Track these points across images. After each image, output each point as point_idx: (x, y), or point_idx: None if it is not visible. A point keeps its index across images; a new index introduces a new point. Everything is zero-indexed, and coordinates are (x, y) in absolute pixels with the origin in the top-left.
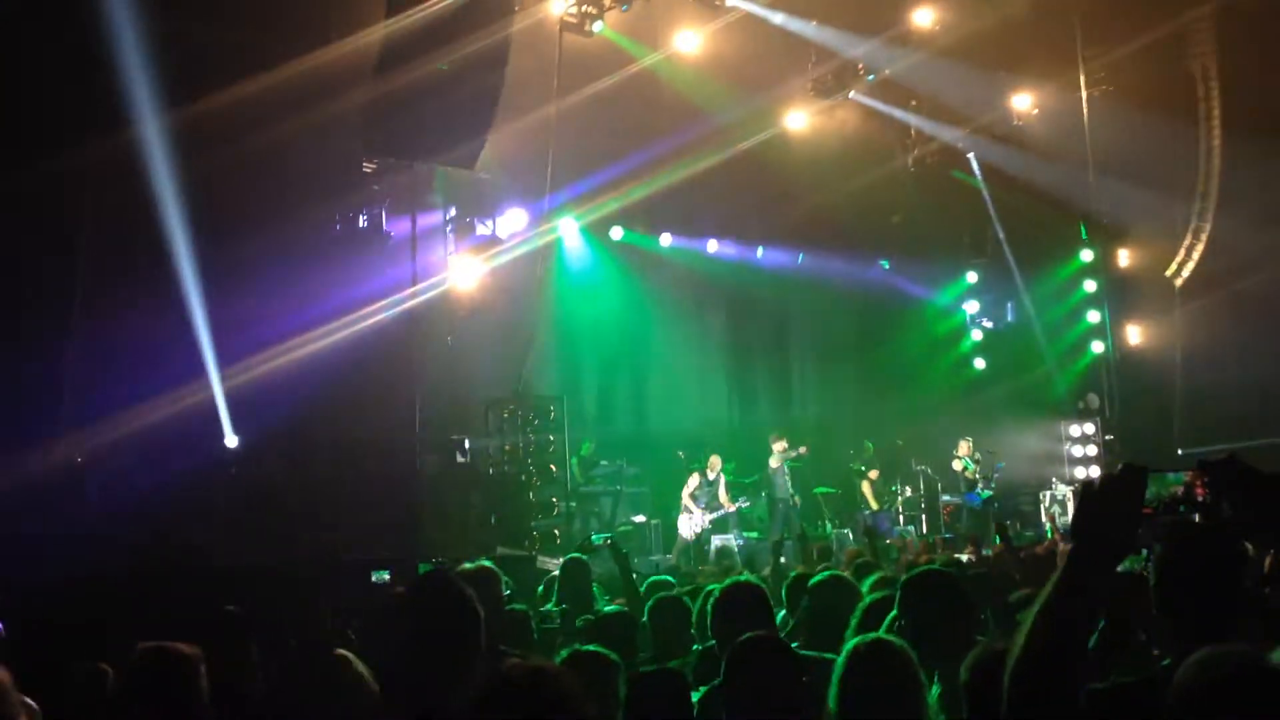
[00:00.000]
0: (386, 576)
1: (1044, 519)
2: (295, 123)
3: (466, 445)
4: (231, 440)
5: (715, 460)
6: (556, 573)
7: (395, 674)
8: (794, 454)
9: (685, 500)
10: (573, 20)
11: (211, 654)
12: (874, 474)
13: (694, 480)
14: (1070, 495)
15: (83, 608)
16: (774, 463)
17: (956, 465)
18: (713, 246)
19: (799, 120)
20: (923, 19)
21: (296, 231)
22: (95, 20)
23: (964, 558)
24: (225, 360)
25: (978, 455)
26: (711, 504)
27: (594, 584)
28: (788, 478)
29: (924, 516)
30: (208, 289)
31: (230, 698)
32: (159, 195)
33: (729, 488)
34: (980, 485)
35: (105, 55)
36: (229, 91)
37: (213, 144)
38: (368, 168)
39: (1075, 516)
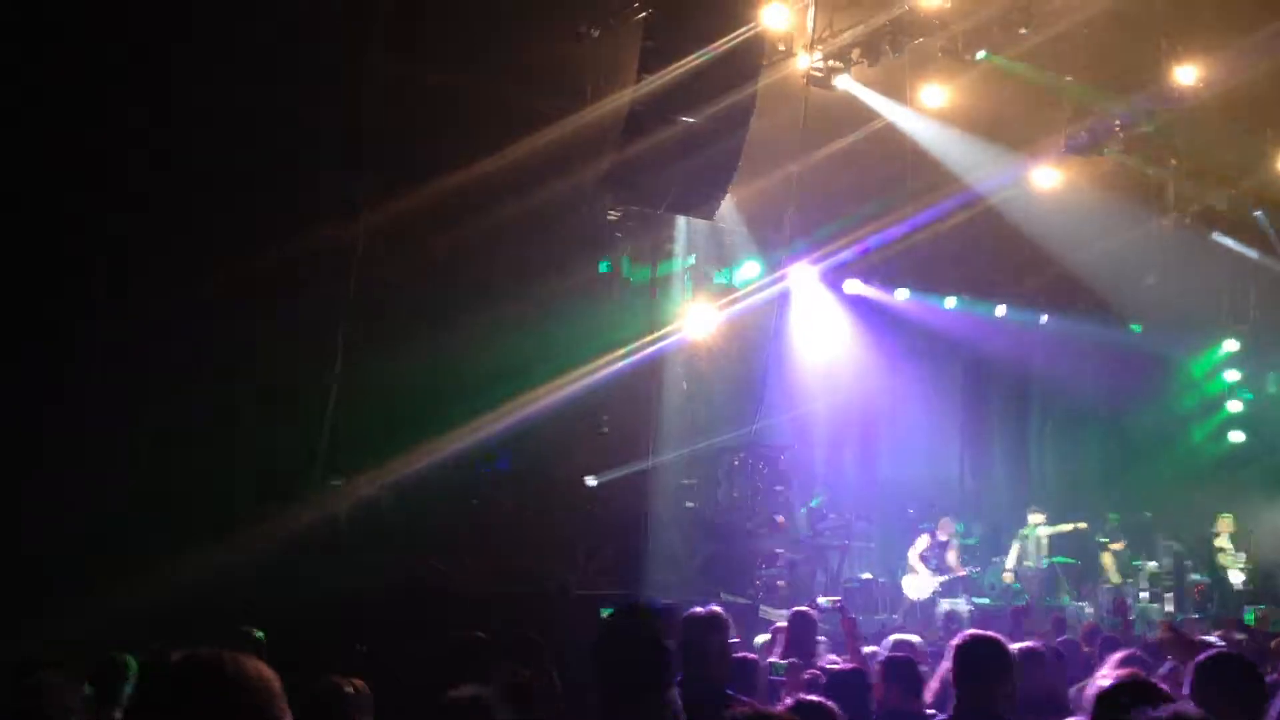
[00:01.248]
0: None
1: None
2: (550, 176)
3: (696, 490)
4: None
5: (946, 522)
6: (781, 623)
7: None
8: (1052, 530)
9: (913, 561)
10: (819, 74)
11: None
12: (1117, 546)
13: (923, 541)
14: None
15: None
16: (1029, 534)
17: (1220, 543)
18: (950, 303)
19: (1049, 177)
20: (1185, 76)
21: (544, 277)
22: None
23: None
24: (481, 406)
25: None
26: (940, 567)
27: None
28: (1042, 551)
29: (1171, 594)
30: (464, 339)
31: None
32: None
33: (960, 551)
34: (1234, 570)
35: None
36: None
37: (476, 204)
38: (611, 216)
39: None
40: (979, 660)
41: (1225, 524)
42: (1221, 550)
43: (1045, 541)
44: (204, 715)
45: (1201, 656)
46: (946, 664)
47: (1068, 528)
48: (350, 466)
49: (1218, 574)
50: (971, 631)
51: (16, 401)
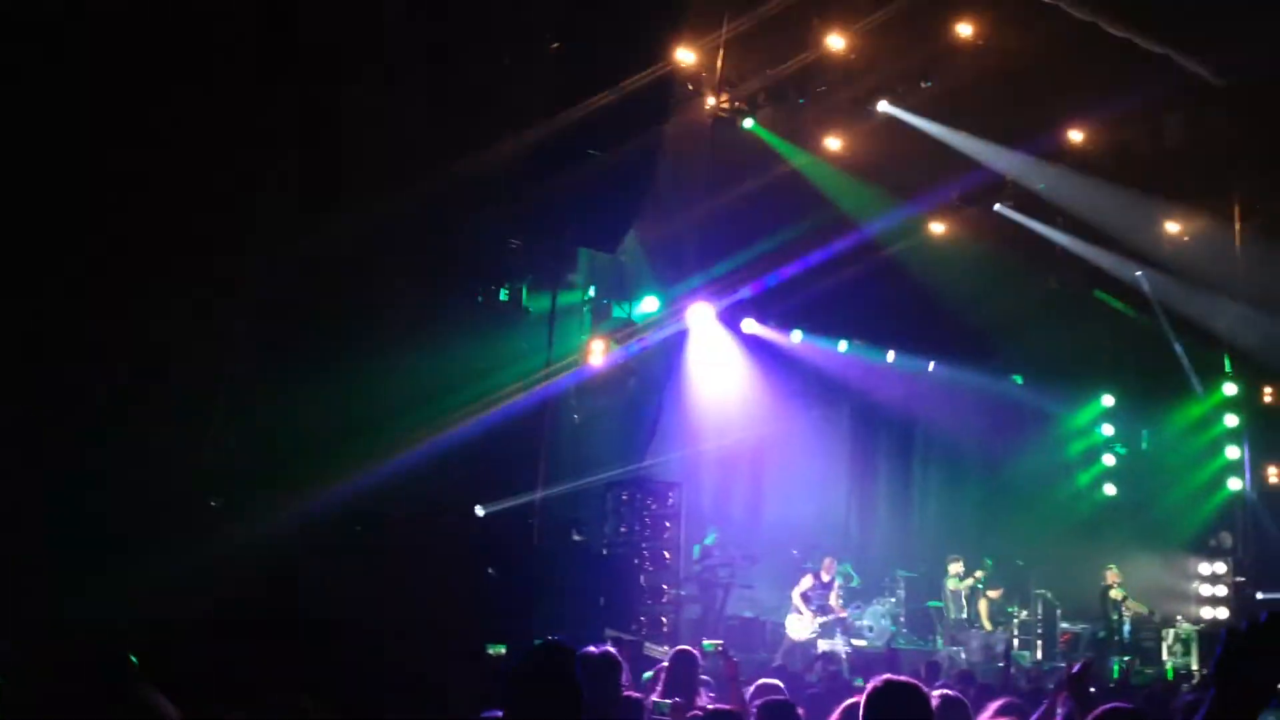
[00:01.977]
0: (503, 650)
1: (1164, 657)
2: (456, 203)
3: (583, 523)
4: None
5: (830, 563)
6: (664, 662)
7: None
8: (969, 580)
9: (796, 600)
10: (726, 115)
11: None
12: (994, 593)
13: (807, 581)
14: (1196, 636)
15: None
16: (951, 585)
17: (1114, 595)
18: (843, 346)
19: (941, 228)
20: (1075, 137)
21: (443, 300)
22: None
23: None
24: (365, 420)
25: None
26: (822, 607)
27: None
28: (964, 601)
29: (1040, 642)
30: (358, 362)
31: None
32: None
33: (840, 593)
34: (1127, 616)
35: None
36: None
37: (380, 227)
38: (513, 244)
39: (1221, 660)
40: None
41: (1113, 575)
42: (1116, 601)
43: (964, 592)
44: None
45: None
46: (844, 708)
47: (969, 579)
48: (233, 490)
49: (1109, 623)
50: (888, 677)
51: None
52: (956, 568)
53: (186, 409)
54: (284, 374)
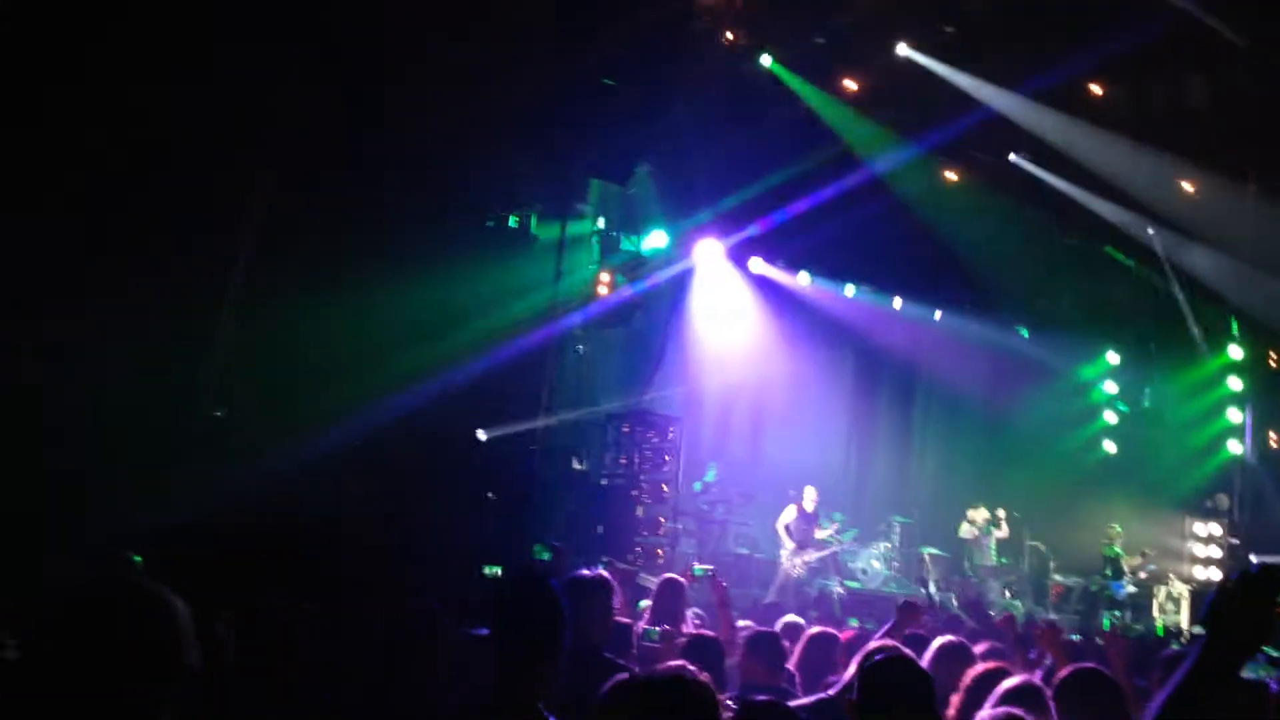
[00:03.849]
0: (499, 571)
1: (1155, 614)
2: (467, 128)
3: (584, 453)
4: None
5: (811, 492)
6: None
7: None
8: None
9: (779, 531)
10: (741, 50)
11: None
12: (1001, 534)
13: (790, 512)
14: (1188, 594)
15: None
16: (967, 533)
17: (1112, 551)
18: (850, 291)
19: (955, 176)
20: (1095, 89)
21: (445, 224)
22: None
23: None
24: (372, 342)
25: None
26: (805, 540)
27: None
28: (990, 548)
29: (1031, 592)
30: (363, 276)
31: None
32: (326, 181)
33: (819, 523)
34: (1126, 576)
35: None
36: (398, 81)
37: (388, 152)
38: (526, 171)
39: (1209, 612)
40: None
41: (1115, 533)
42: (1117, 556)
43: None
44: (112, 638)
45: (1064, 672)
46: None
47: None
48: (238, 404)
49: (1103, 578)
50: (882, 648)
51: None
52: (980, 514)
53: (191, 320)
54: (289, 294)
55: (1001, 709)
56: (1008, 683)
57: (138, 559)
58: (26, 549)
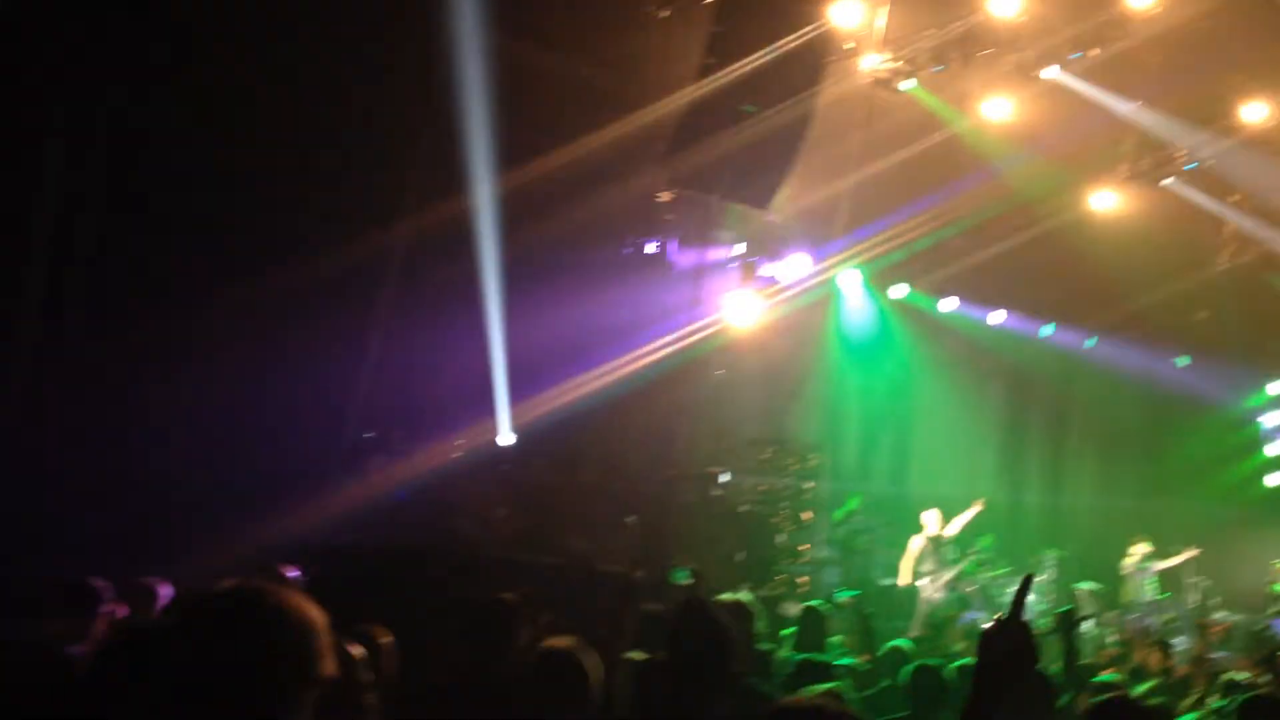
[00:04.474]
0: (687, 578)
1: None
2: (609, 156)
3: (723, 480)
4: (506, 438)
5: (934, 514)
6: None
7: (651, 690)
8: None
9: (908, 561)
10: (884, 77)
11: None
12: (1161, 568)
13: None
14: None
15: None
16: (1127, 568)
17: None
18: (997, 318)
19: (1107, 201)
20: (1255, 114)
21: (591, 250)
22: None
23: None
24: (514, 365)
25: None
26: (936, 563)
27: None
28: (1150, 584)
29: (1191, 630)
30: (506, 296)
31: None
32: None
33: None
34: None
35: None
36: (547, 117)
37: (534, 184)
38: (664, 198)
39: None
40: None
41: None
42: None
43: (1155, 576)
44: (241, 644)
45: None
46: None
47: (1176, 559)
48: (384, 427)
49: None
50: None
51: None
52: (1142, 548)
53: (341, 342)
54: (431, 318)
55: None
56: None
57: (294, 574)
58: (182, 560)
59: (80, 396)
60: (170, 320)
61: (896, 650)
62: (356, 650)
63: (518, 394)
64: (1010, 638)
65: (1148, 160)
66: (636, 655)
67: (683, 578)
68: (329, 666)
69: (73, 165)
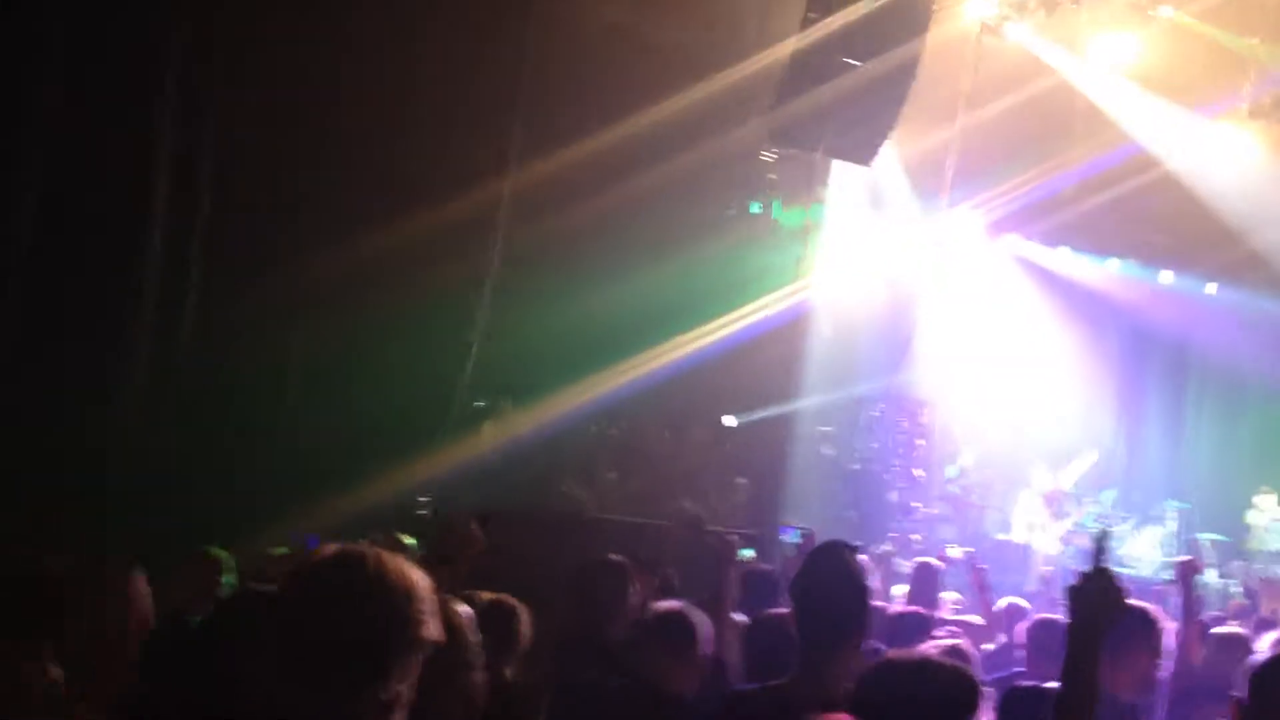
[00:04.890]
0: (752, 554)
1: None
2: (709, 116)
3: (834, 438)
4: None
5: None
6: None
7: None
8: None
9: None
10: (991, 23)
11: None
12: None
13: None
14: None
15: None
16: (1254, 518)
17: None
18: (1114, 266)
19: (1229, 141)
20: None
21: (694, 213)
22: None
23: None
24: (620, 329)
25: None
26: (1059, 511)
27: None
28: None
29: None
30: (612, 274)
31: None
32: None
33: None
34: None
35: None
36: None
37: (632, 143)
38: (766, 157)
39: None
40: None
41: None
42: None
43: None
44: (344, 606)
45: None
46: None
47: None
48: (491, 395)
49: None
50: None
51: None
52: (1264, 500)
53: (454, 310)
54: (539, 283)
55: None
56: None
57: (411, 541)
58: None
59: (201, 354)
60: (289, 279)
61: (1013, 606)
62: (464, 611)
63: (623, 355)
64: (1096, 590)
65: (1268, 97)
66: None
67: (795, 538)
68: (433, 630)
69: (187, 123)
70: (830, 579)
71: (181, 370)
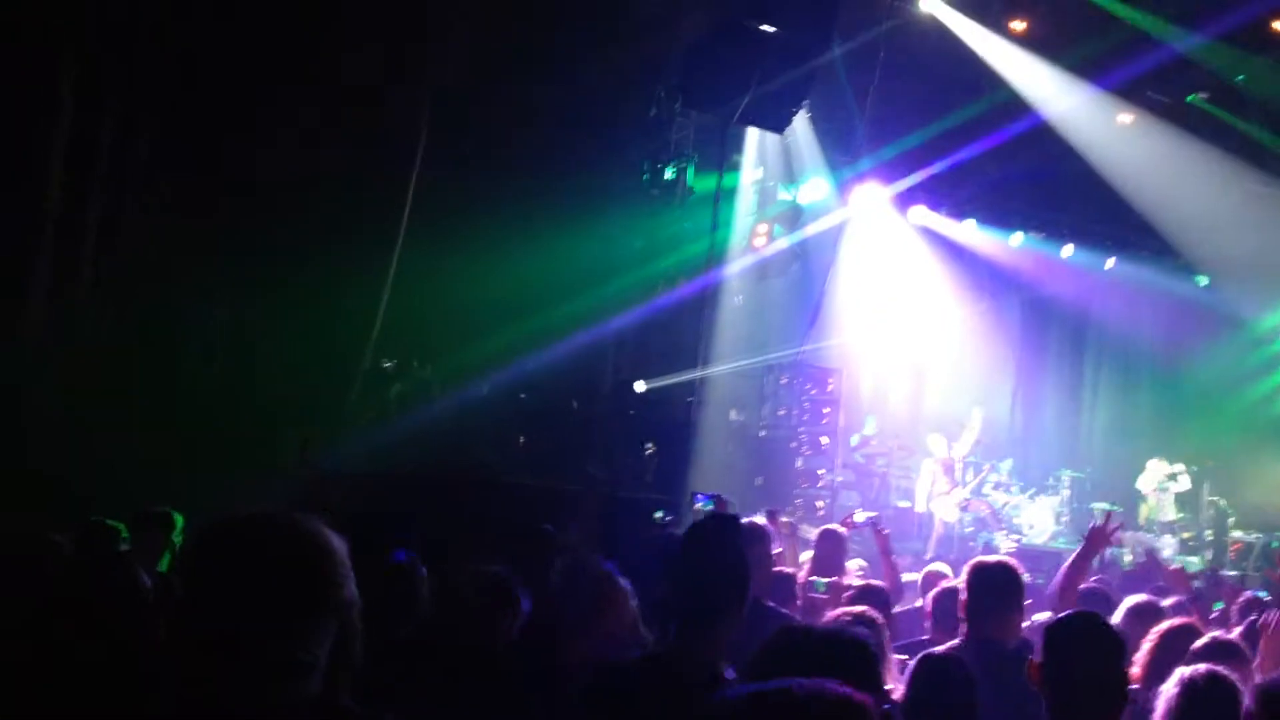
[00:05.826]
0: (664, 515)
1: None
2: (622, 80)
3: (742, 405)
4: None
5: (936, 437)
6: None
7: (664, 605)
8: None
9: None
10: None
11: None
12: (1180, 488)
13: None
14: None
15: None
16: (1145, 485)
17: None
18: (1017, 239)
19: (1129, 118)
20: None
21: (601, 176)
22: None
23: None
24: (530, 294)
25: None
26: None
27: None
28: (1168, 503)
29: (1209, 551)
30: (519, 227)
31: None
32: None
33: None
34: None
35: None
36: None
37: (541, 103)
38: (682, 122)
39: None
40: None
41: None
42: None
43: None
44: (262, 568)
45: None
46: None
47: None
48: (401, 354)
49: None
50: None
51: None
52: (1164, 467)
53: (359, 274)
54: (448, 246)
55: (1204, 666)
56: (1203, 640)
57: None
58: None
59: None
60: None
61: (935, 572)
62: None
63: (536, 322)
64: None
65: (1173, 75)
66: None
67: (708, 505)
68: (347, 591)
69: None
70: (710, 551)
71: (78, 336)
